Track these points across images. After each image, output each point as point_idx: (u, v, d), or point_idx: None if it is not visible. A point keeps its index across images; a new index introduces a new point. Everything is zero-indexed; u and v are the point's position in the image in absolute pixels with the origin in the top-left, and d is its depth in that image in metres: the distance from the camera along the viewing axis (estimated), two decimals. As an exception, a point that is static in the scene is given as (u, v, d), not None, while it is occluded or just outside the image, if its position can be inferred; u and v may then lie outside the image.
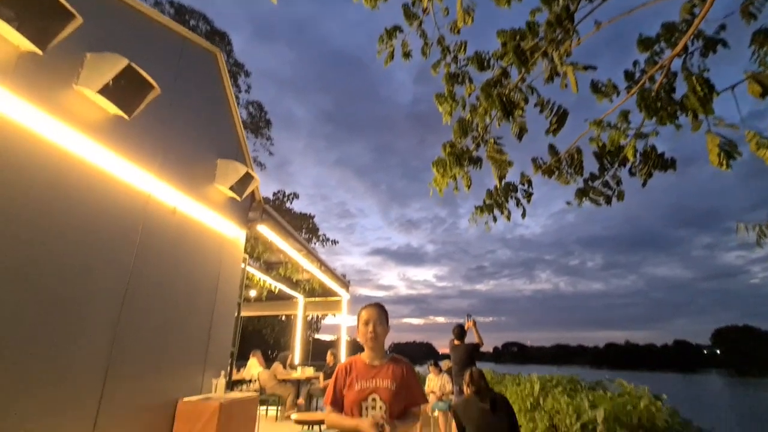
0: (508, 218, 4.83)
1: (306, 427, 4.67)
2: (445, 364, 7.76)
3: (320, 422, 4.66)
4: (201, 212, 4.34)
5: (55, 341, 2.68)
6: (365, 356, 1.97)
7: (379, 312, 2.00)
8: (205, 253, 4.43)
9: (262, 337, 18.36)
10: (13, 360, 2.42)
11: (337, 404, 1.87)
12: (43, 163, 2.66)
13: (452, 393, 6.55)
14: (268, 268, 8.17)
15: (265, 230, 5.63)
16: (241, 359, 8.18)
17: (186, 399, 3.77)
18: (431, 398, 6.83)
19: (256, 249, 6.61)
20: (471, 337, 5.69)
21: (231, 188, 4.60)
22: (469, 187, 2.83)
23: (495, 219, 4.97)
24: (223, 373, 4.29)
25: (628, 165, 2.85)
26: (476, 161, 2.80)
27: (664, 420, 2.01)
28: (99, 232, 3.07)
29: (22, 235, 2.51)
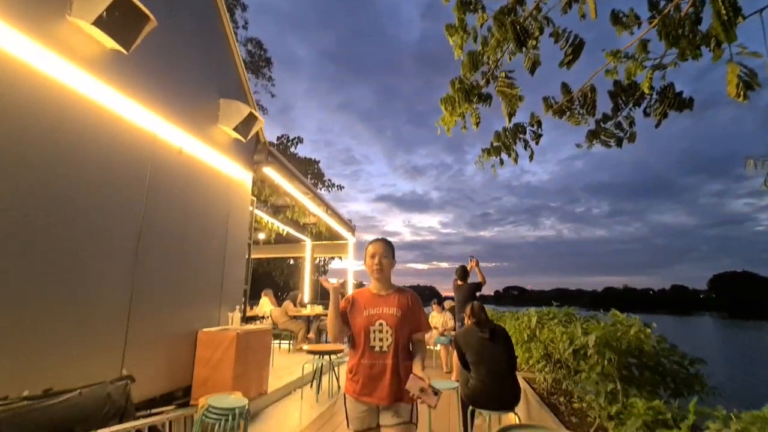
0: (516, 161, 4.76)
1: (317, 356, 5.04)
2: (447, 303, 8.14)
3: (330, 352, 5.02)
4: (207, 153, 4.34)
5: (76, 282, 2.85)
6: (372, 287, 2.08)
7: (385, 246, 2.07)
8: (213, 194, 4.50)
9: (272, 279, 19.13)
10: (38, 303, 2.59)
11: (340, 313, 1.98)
12: (44, 98, 2.62)
13: (453, 329, 6.95)
14: (276, 211, 8.31)
15: (271, 172, 5.64)
16: (253, 299, 8.63)
17: (205, 330, 4.06)
18: (434, 333, 7.27)
19: (263, 192, 6.66)
20: (474, 278, 5.91)
21: (235, 129, 4.54)
22: (477, 125, 2.78)
23: (502, 162, 4.90)
24: (238, 307, 4.57)
25: (643, 105, 2.76)
26: (486, 98, 2.72)
27: (652, 345, 2.16)
28: (108, 172, 3.11)
29: (26, 174, 2.55)
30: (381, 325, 1.91)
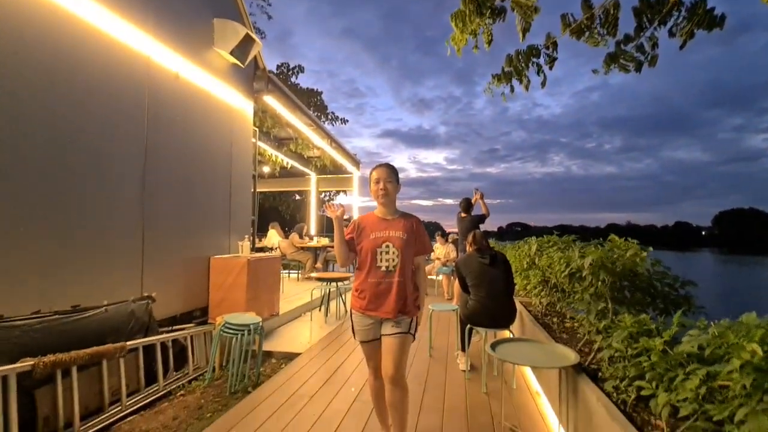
0: (527, 88, 4.52)
1: (325, 283, 5.30)
2: (451, 237, 8.33)
3: (337, 279, 5.28)
4: (205, 79, 4.17)
5: (88, 209, 2.94)
6: (378, 212, 2.12)
7: (389, 170, 2.07)
8: (215, 123, 4.41)
9: (279, 214, 19.49)
10: (53, 229, 2.71)
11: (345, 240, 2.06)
12: (31, 14, 2.49)
13: (455, 260, 7.19)
14: (279, 144, 8.19)
15: (272, 101, 5.46)
16: (261, 232, 8.88)
17: (217, 256, 4.24)
18: (436, 264, 7.55)
19: (264, 123, 6.52)
20: (478, 211, 5.97)
21: (231, 53, 4.31)
22: (489, 44, 2.61)
23: (512, 89, 4.66)
24: (246, 236, 4.72)
25: (669, 23, 2.54)
26: (499, 12, 2.51)
27: (646, 269, 2.22)
28: (105, 96, 3.05)
29: (26, 92, 2.51)
30: (388, 246, 1.98)
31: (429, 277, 7.68)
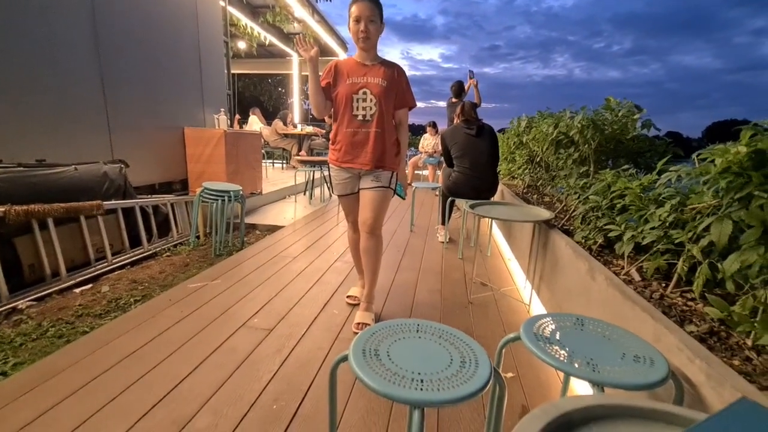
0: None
1: (308, 167, 5.20)
2: (441, 130, 8.07)
3: (322, 163, 5.17)
4: None
5: (37, 68, 2.64)
6: (357, 56, 1.90)
7: (372, 7, 1.79)
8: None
9: (260, 104, 18.48)
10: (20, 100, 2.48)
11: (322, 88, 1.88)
12: None
13: (443, 151, 7.06)
14: (254, 13, 7.25)
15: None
16: (242, 118, 8.42)
17: (191, 127, 4.02)
18: (423, 156, 7.45)
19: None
20: (471, 97, 5.65)
21: None
22: None
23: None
24: (222, 110, 4.42)
25: None
26: None
27: (635, 134, 2.15)
28: None
29: None
30: (365, 93, 1.82)
31: (416, 172, 7.64)
